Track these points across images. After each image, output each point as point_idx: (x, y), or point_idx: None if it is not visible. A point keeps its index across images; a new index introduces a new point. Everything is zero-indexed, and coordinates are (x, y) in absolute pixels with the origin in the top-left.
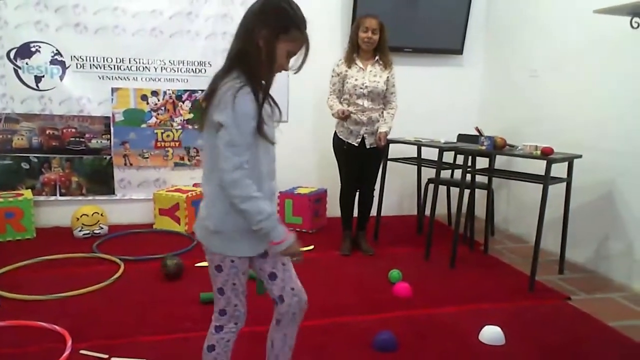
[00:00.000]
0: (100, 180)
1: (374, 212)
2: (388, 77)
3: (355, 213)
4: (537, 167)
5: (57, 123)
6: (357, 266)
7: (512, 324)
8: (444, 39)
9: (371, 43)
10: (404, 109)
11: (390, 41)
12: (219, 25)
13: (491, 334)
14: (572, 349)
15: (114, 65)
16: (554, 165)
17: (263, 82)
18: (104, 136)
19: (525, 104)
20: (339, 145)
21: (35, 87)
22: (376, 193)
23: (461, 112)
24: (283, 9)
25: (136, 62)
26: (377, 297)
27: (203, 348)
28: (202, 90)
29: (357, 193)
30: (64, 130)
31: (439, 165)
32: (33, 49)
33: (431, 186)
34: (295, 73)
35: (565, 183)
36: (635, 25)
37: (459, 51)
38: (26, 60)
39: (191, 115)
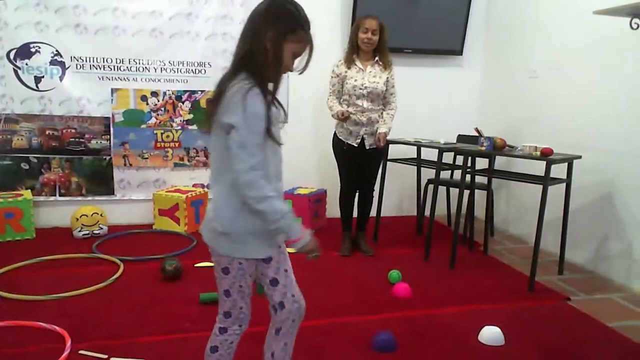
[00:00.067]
0: (100, 181)
1: (373, 212)
2: (388, 77)
3: (355, 214)
4: (537, 167)
5: (57, 123)
6: (356, 267)
7: (511, 324)
8: (444, 40)
9: (371, 44)
10: (403, 109)
11: (390, 42)
12: (219, 26)
13: (491, 334)
14: (572, 350)
15: (114, 66)
16: (553, 166)
17: (271, 83)
18: (103, 137)
19: (524, 104)
20: (338, 145)
21: (35, 88)
22: (376, 193)
23: (461, 113)
24: (289, 10)
25: (136, 63)
26: (376, 298)
27: (206, 349)
28: (202, 91)
29: (357, 194)
30: (64, 131)
31: (439, 165)
32: (33, 50)
33: (431, 187)
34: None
35: (564, 184)
36: (635, 26)
37: (459, 52)
38: (26, 60)
39: (191, 116)
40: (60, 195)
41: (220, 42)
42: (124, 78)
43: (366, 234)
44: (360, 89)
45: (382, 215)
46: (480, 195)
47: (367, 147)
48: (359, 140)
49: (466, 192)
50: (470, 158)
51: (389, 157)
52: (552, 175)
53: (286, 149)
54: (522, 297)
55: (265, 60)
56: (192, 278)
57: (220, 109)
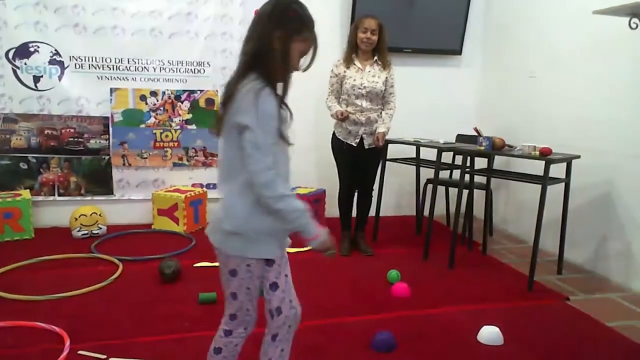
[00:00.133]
0: (99, 181)
1: (372, 212)
2: (387, 77)
3: (354, 213)
4: (536, 167)
5: (56, 123)
6: (355, 266)
7: (510, 324)
8: (443, 40)
9: (370, 43)
10: (402, 109)
11: (389, 41)
12: (218, 26)
13: (489, 334)
14: (571, 349)
15: (113, 66)
16: (552, 166)
17: (280, 83)
18: (102, 136)
19: (523, 104)
20: (337, 145)
21: (34, 87)
22: (375, 193)
23: (460, 113)
24: (294, 10)
25: (135, 63)
26: (375, 298)
27: (209, 349)
28: (201, 91)
29: (356, 193)
30: (63, 131)
31: (438, 165)
32: (32, 49)
33: (430, 186)
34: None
35: (563, 183)
36: (633, 25)
37: (458, 52)
38: (25, 60)
39: (190, 116)
40: (59, 195)
41: (219, 42)
42: (123, 78)
43: (365, 233)
44: (359, 88)
45: (381, 215)
46: (479, 195)
47: (366, 147)
48: (358, 140)
49: (465, 192)
50: (469, 158)
51: (388, 157)
52: (551, 175)
53: None
54: (521, 297)
55: (274, 60)
56: (191, 278)
57: (231, 110)
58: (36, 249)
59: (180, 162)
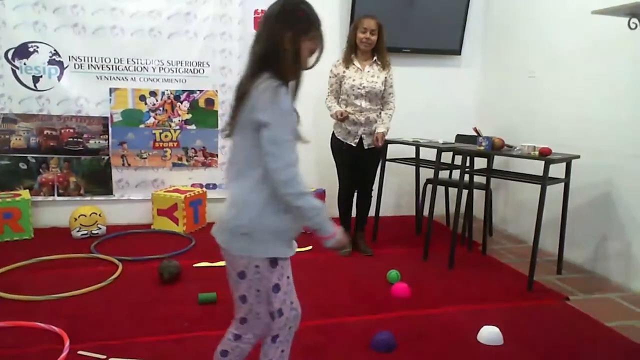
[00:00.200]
0: (99, 181)
1: (372, 212)
2: (386, 77)
3: (354, 213)
4: (535, 167)
5: (55, 123)
6: (355, 267)
7: (510, 324)
8: (442, 40)
9: (369, 44)
10: (402, 109)
11: (388, 41)
12: (217, 26)
13: (489, 334)
14: (570, 349)
15: (112, 66)
16: (552, 166)
17: (292, 82)
18: (102, 136)
19: (523, 104)
20: (337, 145)
21: (33, 88)
22: (374, 193)
23: (459, 113)
24: (303, 10)
25: (134, 63)
26: (375, 298)
27: (216, 350)
28: (201, 91)
29: (356, 193)
30: (62, 131)
31: (437, 165)
32: (31, 49)
33: (429, 186)
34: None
35: (563, 183)
36: (633, 25)
37: (457, 52)
38: (24, 60)
39: (189, 116)
40: (58, 195)
41: (218, 42)
42: (123, 78)
43: (365, 233)
44: (359, 88)
45: (380, 215)
46: (478, 195)
47: (366, 147)
48: (357, 140)
49: (465, 192)
50: (468, 158)
51: (387, 157)
52: (550, 175)
53: None
54: (521, 297)
55: (285, 60)
56: (190, 278)
57: (246, 108)
58: (36, 249)
59: (179, 162)
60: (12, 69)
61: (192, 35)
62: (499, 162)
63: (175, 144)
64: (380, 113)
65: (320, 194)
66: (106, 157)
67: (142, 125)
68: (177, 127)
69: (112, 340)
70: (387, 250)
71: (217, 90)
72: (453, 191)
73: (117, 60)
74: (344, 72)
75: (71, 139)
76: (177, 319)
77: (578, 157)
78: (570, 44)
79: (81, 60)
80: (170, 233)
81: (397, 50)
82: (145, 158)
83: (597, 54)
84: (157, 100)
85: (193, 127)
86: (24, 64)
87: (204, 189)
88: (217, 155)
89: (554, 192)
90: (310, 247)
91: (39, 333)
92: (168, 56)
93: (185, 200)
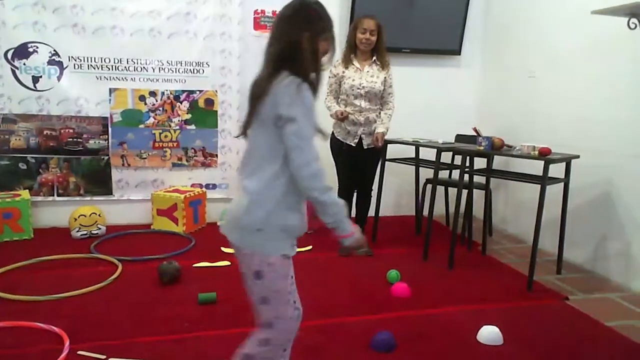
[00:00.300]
0: (98, 181)
1: (372, 212)
2: (385, 77)
3: (353, 214)
4: (535, 167)
5: (55, 123)
6: (355, 266)
7: (510, 324)
8: (442, 40)
9: (369, 44)
10: (401, 109)
11: (388, 41)
12: (217, 26)
13: (489, 334)
14: (570, 349)
15: (112, 66)
16: (551, 166)
17: (312, 81)
18: (101, 137)
19: (522, 104)
20: (336, 146)
21: (33, 88)
22: (374, 193)
23: (459, 113)
24: (317, 10)
25: (134, 63)
26: (375, 298)
27: (240, 353)
28: (200, 91)
29: (355, 193)
30: (62, 131)
31: (437, 165)
32: (31, 50)
33: (429, 186)
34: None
35: (562, 183)
36: (632, 26)
37: (457, 52)
38: (24, 60)
39: (189, 116)
40: (58, 196)
41: (218, 42)
42: (122, 78)
43: (365, 233)
44: (358, 88)
45: (380, 215)
46: (478, 195)
47: (365, 147)
48: (357, 140)
49: (464, 192)
50: (468, 158)
51: (387, 157)
52: (550, 174)
53: None
54: (521, 297)
55: (305, 59)
56: (190, 278)
57: (265, 105)
58: (35, 250)
59: (179, 162)
60: (11, 69)
61: (192, 36)
62: (498, 162)
63: (175, 144)
64: (379, 113)
65: None
66: (106, 157)
67: (141, 126)
68: (177, 127)
69: (112, 341)
70: (387, 250)
71: (216, 91)
72: (453, 191)
73: (116, 61)
74: (343, 72)
75: (71, 139)
76: (177, 319)
77: (578, 157)
78: (570, 44)
79: (81, 60)
80: (170, 233)
81: (396, 50)
82: (145, 158)
83: (597, 54)
84: (156, 101)
85: (193, 127)
86: (24, 64)
87: (204, 189)
88: (216, 155)
89: (554, 192)
90: (310, 247)
91: (38, 333)
92: (168, 56)
93: (185, 200)
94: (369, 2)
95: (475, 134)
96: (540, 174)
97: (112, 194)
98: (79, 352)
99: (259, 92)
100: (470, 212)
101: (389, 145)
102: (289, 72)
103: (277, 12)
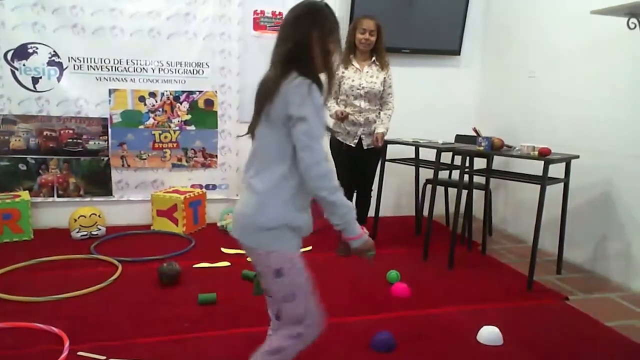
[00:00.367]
0: (98, 182)
1: (372, 212)
2: (385, 77)
3: None
4: (535, 167)
5: (55, 124)
6: (355, 267)
7: (510, 324)
8: (442, 40)
9: (368, 44)
10: (401, 109)
11: (387, 42)
12: (217, 26)
13: (489, 334)
14: (570, 349)
15: (112, 67)
16: (551, 166)
17: (323, 81)
18: (101, 137)
19: (522, 104)
20: (336, 146)
21: (33, 89)
22: (374, 193)
23: (459, 113)
24: (325, 12)
25: (134, 63)
26: (375, 298)
27: (266, 349)
28: (200, 92)
29: (355, 194)
30: (62, 132)
31: (437, 165)
32: (30, 50)
33: (429, 187)
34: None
35: (562, 183)
36: (632, 25)
37: (457, 52)
38: (23, 61)
39: (189, 117)
40: (58, 196)
41: (218, 42)
42: (122, 79)
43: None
44: (358, 89)
45: (380, 215)
46: (478, 195)
47: (365, 148)
48: (356, 141)
49: (464, 192)
50: (468, 158)
51: (387, 157)
52: (550, 175)
53: None
54: (521, 297)
55: (314, 60)
56: (190, 279)
57: (275, 105)
58: (35, 250)
59: (179, 163)
60: (11, 70)
61: (192, 36)
62: (498, 162)
63: (174, 144)
64: (379, 113)
65: None
66: (106, 158)
67: (141, 126)
68: (177, 128)
69: (112, 341)
70: (387, 251)
71: (216, 91)
72: (453, 191)
73: (116, 61)
74: (342, 72)
75: (71, 140)
76: (177, 320)
77: (577, 157)
78: (570, 44)
79: (80, 61)
80: (169, 234)
81: (396, 51)
82: (145, 159)
83: (597, 54)
84: (156, 101)
85: (192, 127)
86: (23, 65)
87: (204, 189)
88: (216, 156)
89: (554, 192)
90: (309, 248)
91: (38, 334)
92: (167, 57)
93: (184, 201)
94: (368, 2)
95: (475, 134)
96: (540, 174)
97: (112, 194)
98: (79, 353)
99: (268, 93)
100: (470, 212)
101: (388, 145)
102: (298, 73)
103: (282, 13)
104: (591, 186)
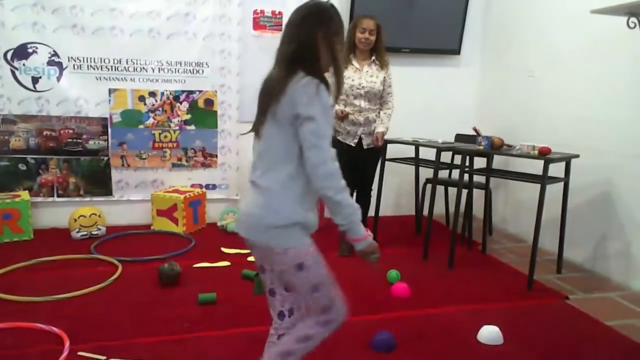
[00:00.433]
0: (98, 181)
1: (372, 212)
2: (384, 77)
3: None
4: (535, 167)
5: (55, 124)
6: (355, 267)
7: (510, 323)
8: (442, 39)
9: (368, 44)
10: (401, 109)
11: (387, 41)
12: (217, 26)
13: (489, 333)
14: (570, 349)
15: (112, 66)
16: (551, 165)
17: (331, 81)
18: (101, 137)
19: (522, 104)
20: (336, 146)
21: (33, 89)
22: (374, 193)
23: (459, 112)
24: (331, 12)
25: (133, 63)
26: (375, 298)
27: (292, 340)
28: (200, 91)
29: (355, 194)
30: (62, 132)
31: (437, 165)
32: (30, 50)
33: (429, 186)
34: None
35: (562, 183)
36: (632, 25)
37: (457, 51)
38: (23, 61)
39: (189, 116)
40: (58, 196)
41: (217, 43)
42: (122, 78)
43: None
44: (358, 88)
45: (380, 214)
46: (478, 195)
47: (365, 147)
48: (356, 140)
49: (464, 192)
50: (468, 157)
51: (387, 157)
52: (550, 174)
53: None
54: (521, 296)
55: (319, 60)
56: (190, 279)
57: (282, 104)
58: (35, 250)
59: (179, 162)
60: (11, 70)
61: (192, 36)
62: (498, 161)
63: (174, 144)
64: (379, 113)
65: None
66: (105, 158)
67: (141, 126)
68: (177, 128)
69: (112, 341)
70: (387, 250)
71: (216, 91)
72: (453, 191)
73: (116, 61)
74: None
75: (70, 140)
76: (177, 320)
77: (577, 156)
78: (570, 43)
79: (80, 61)
80: (169, 233)
81: (396, 50)
82: (145, 159)
83: (597, 53)
84: (156, 101)
85: (192, 127)
86: (23, 64)
87: (204, 189)
88: (216, 155)
89: (554, 191)
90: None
91: (38, 334)
92: (167, 57)
93: (184, 200)
94: (368, 2)
95: (475, 133)
96: (540, 173)
97: (112, 194)
98: (79, 353)
99: (273, 92)
100: (470, 212)
101: (388, 145)
102: (304, 73)
103: (281, 13)
104: (591, 186)
